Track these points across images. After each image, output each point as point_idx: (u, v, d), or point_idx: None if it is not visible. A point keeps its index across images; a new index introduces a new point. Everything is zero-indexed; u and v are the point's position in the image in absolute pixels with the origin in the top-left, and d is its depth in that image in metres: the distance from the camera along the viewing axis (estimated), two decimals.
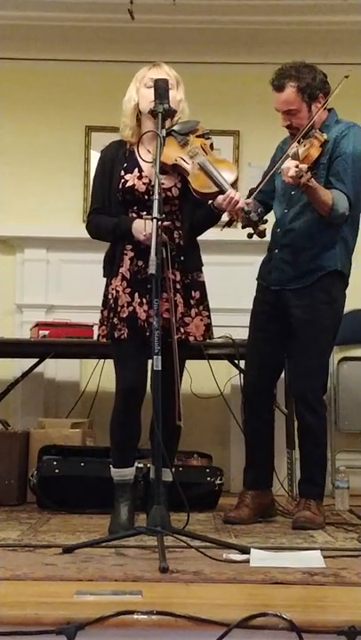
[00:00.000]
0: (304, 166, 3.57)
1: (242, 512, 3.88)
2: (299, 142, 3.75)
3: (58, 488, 4.23)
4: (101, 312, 3.62)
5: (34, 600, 2.31)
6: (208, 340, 4.20)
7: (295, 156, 3.63)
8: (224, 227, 3.82)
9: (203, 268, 3.67)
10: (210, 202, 3.55)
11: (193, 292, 3.58)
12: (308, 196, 3.70)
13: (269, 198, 3.99)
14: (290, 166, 3.57)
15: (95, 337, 3.80)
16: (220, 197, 3.48)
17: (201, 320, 3.59)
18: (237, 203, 3.49)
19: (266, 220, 3.73)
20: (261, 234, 3.71)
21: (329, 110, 3.90)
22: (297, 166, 3.55)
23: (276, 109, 3.85)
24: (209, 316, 3.63)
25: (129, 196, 3.55)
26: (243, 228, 3.73)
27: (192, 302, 3.57)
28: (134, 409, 3.56)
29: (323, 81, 3.83)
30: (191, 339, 3.57)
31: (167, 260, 3.37)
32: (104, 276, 3.63)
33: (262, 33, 5.46)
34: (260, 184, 3.92)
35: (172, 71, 3.59)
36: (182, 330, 3.51)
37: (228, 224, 3.80)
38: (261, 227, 3.68)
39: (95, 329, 3.82)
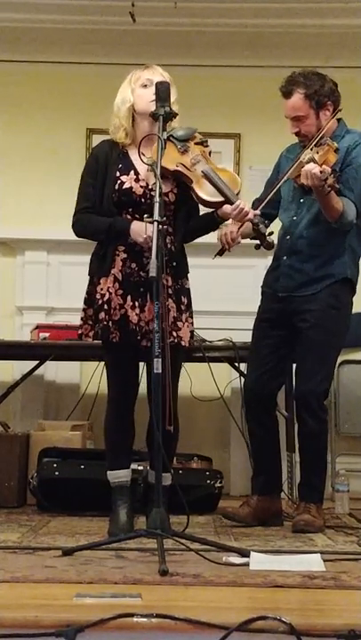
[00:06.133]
0: (328, 169, 3.56)
1: (242, 510, 3.88)
2: (310, 150, 3.74)
3: (58, 490, 4.23)
4: (84, 310, 3.59)
5: (33, 602, 2.31)
6: (208, 343, 4.22)
7: (312, 161, 3.60)
8: (216, 255, 3.81)
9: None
10: (213, 210, 3.55)
11: (183, 298, 3.57)
12: (321, 200, 3.68)
13: (274, 208, 3.97)
14: (312, 168, 3.55)
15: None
16: (229, 207, 3.47)
17: (187, 326, 3.57)
18: (247, 214, 3.50)
19: (272, 232, 3.72)
20: (270, 245, 3.70)
21: (338, 120, 3.91)
22: (321, 169, 3.54)
23: (285, 116, 3.86)
24: (192, 323, 3.61)
25: (125, 197, 3.52)
26: (252, 239, 3.72)
27: (182, 308, 3.56)
28: (127, 412, 3.58)
29: (332, 89, 3.83)
30: (183, 343, 3.55)
31: (162, 265, 3.36)
32: (89, 274, 3.61)
33: (263, 36, 5.46)
34: (267, 194, 3.89)
35: (165, 72, 3.58)
36: (175, 334, 3.49)
37: (220, 253, 3.80)
38: (270, 238, 3.67)
39: None
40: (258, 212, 3.68)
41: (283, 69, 4.17)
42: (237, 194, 3.51)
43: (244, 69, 5.50)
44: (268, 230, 3.70)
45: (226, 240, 3.78)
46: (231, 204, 3.47)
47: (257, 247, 3.75)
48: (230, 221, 3.60)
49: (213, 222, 3.60)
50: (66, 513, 4.11)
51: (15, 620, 2.11)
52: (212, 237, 3.81)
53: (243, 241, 3.91)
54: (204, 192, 3.49)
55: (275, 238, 3.78)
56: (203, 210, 3.64)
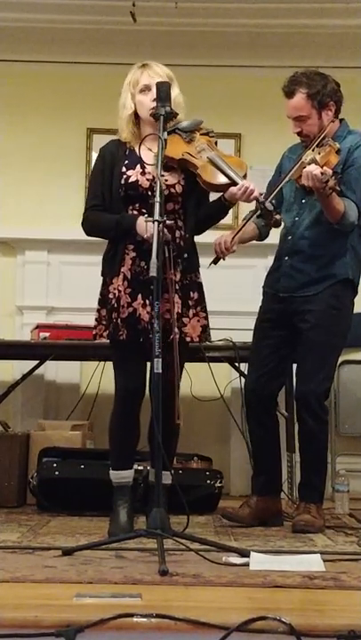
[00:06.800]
0: (329, 170, 3.56)
1: (242, 511, 3.88)
2: (312, 150, 3.74)
3: (58, 490, 4.23)
4: (98, 311, 3.59)
5: (33, 602, 2.31)
6: (206, 342, 4.20)
7: (313, 162, 3.60)
8: (211, 264, 3.80)
9: (203, 271, 3.66)
10: (221, 195, 3.55)
11: (191, 293, 3.57)
12: (323, 201, 3.67)
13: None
14: (313, 170, 3.55)
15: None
16: (235, 188, 3.48)
17: (198, 321, 3.57)
18: (253, 192, 3.50)
19: (279, 211, 3.71)
20: (277, 223, 3.67)
21: (340, 121, 3.91)
22: (322, 171, 3.54)
23: (287, 116, 3.86)
24: (206, 317, 3.60)
25: (132, 191, 3.52)
26: (258, 217, 3.71)
27: (190, 303, 3.55)
28: (133, 411, 3.56)
29: (334, 89, 3.83)
30: (188, 340, 3.55)
31: (169, 260, 3.36)
32: (102, 275, 3.61)
33: (264, 36, 5.46)
34: (270, 193, 3.90)
35: (163, 70, 3.58)
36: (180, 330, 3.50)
37: (215, 261, 3.80)
38: (277, 216, 3.64)
39: None
40: (264, 191, 3.67)
41: (283, 69, 4.18)
42: (244, 177, 3.52)
43: (244, 69, 5.50)
44: (277, 212, 3.69)
45: (220, 249, 3.78)
46: (236, 185, 3.48)
47: (266, 225, 3.74)
48: (231, 216, 3.60)
49: (222, 207, 3.61)
50: (66, 513, 4.11)
51: (15, 620, 2.11)
52: (210, 238, 3.80)
53: (243, 241, 3.92)
54: (210, 176, 3.51)
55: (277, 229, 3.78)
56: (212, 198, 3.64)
